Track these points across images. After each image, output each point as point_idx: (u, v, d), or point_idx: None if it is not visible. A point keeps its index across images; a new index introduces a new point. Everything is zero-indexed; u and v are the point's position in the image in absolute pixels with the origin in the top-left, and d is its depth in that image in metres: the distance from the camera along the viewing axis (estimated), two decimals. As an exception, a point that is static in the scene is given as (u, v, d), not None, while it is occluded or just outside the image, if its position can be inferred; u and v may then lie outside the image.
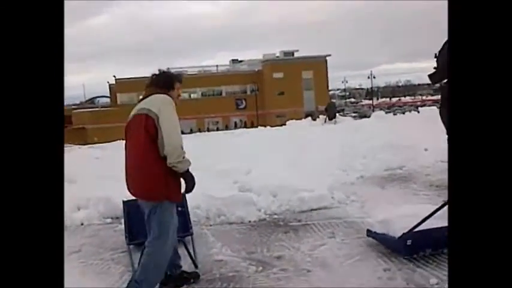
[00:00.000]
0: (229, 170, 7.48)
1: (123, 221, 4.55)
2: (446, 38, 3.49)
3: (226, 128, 44.38)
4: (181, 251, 3.81)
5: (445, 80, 3.37)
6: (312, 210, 5.64)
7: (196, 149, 10.24)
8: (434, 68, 3.54)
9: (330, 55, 52.96)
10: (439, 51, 3.48)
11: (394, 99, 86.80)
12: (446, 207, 3.61)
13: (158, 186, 3.12)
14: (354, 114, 47.89)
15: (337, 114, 18.31)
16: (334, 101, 44.83)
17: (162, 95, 3.24)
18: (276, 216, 5.51)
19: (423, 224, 3.68)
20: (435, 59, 3.56)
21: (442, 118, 3.42)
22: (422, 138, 9.06)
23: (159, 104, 3.15)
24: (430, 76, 3.58)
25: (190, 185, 3.24)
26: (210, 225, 5.33)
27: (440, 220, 3.70)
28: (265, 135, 14.43)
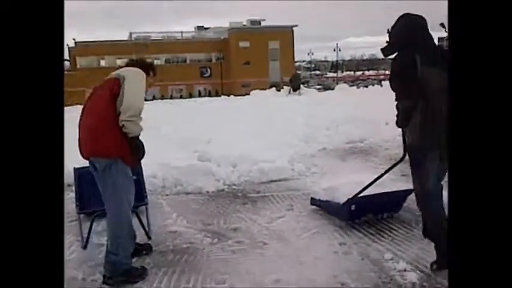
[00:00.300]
0: (189, 138, 7.30)
1: (74, 189, 4.33)
2: (414, 12, 3.49)
3: (190, 96, 43.65)
4: (135, 221, 3.65)
5: (396, 54, 3.42)
6: (271, 181, 5.58)
7: (158, 117, 9.99)
8: (387, 41, 3.60)
9: (296, 25, 52.50)
10: (392, 27, 3.56)
11: (358, 73, 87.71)
12: (387, 175, 3.82)
13: (113, 143, 3.03)
14: (318, 87, 48.02)
15: (301, 85, 18.25)
16: (299, 72, 44.84)
17: (136, 68, 3.29)
18: (234, 187, 5.42)
19: (365, 190, 3.84)
20: (388, 34, 3.61)
21: (392, 88, 3.40)
22: (384, 112, 9.05)
23: (129, 71, 3.22)
24: (382, 50, 3.63)
25: (138, 152, 3.10)
26: (166, 195, 5.18)
27: (381, 187, 3.97)
28: (229, 104, 14.23)
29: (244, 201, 4.87)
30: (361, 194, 3.83)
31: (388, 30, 3.57)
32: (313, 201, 4.40)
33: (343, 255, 3.42)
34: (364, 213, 4.02)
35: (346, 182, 4.23)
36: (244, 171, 5.75)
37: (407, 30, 3.40)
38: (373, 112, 9.08)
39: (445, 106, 2.89)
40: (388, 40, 3.54)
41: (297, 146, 7.20)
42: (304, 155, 6.92)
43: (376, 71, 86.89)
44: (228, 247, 3.67)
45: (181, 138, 7.26)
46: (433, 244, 3.26)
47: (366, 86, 18.72)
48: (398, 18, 3.46)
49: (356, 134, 8.08)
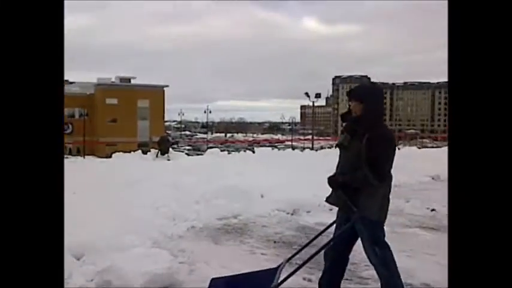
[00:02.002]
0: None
1: None
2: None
3: (47, 154, 39.63)
4: None
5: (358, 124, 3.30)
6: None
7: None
8: (367, 109, 3.32)
9: (167, 86, 52.19)
10: (363, 93, 3.35)
11: (228, 135, 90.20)
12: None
13: None
14: (188, 148, 47.51)
15: (170, 149, 17.22)
16: (169, 132, 43.91)
17: None
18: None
19: None
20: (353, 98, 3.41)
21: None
22: (259, 182, 8.54)
23: None
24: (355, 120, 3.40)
25: None
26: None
27: None
28: (84, 169, 12.54)
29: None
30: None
31: (349, 93, 3.35)
32: None
33: None
34: None
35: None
36: (90, 263, 4.48)
37: (381, 102, 3.41)
38: (246, 182, 8.44)
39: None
40: (361, 105, 3.25)
41: (161, 225, 6.10)
42: (170, 237, 5.85)
43: (244, 135, 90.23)
44: None
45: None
46: None
47: (237, 150, 18.42)
48: (370, 84, 3.41)
49: (229, 208, 7.25)
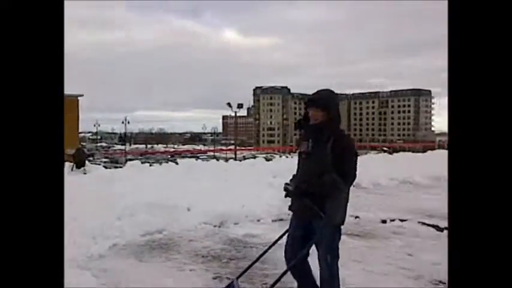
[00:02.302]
0: None
1: None
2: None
3: None
4: None
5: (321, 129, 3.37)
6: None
7: None
8: (329, 116, 3.39)
9: (82, 95, 49.72)
10: (324, 99, 3.38)
11: (148, 146, 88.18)
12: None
13: None
14: (105, 160, 45.55)
15: (86, 161, 16.27)
16: (84, 144, 41.78)
17: None
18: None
19: None
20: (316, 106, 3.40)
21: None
22: (184, 194, 8.28)
23: None
24: (325, 124, 3.38)
25: None
26: None
27: None
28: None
29: None
30: None
31: (309, 100, 3.35)
32: None
33: None
34: None
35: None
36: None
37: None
38: (170, 195, 8.15)
39: None
40: (323, 112, 3.32)
41: (79, 245, 5.66)
42: (90, 257, 5.44)
43: (165, 145, 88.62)
44: None
45: None
46: None
47: (159, 162, 17.85)
48: (330, 92, 3.40)
49: (153, 223, 6.92)
